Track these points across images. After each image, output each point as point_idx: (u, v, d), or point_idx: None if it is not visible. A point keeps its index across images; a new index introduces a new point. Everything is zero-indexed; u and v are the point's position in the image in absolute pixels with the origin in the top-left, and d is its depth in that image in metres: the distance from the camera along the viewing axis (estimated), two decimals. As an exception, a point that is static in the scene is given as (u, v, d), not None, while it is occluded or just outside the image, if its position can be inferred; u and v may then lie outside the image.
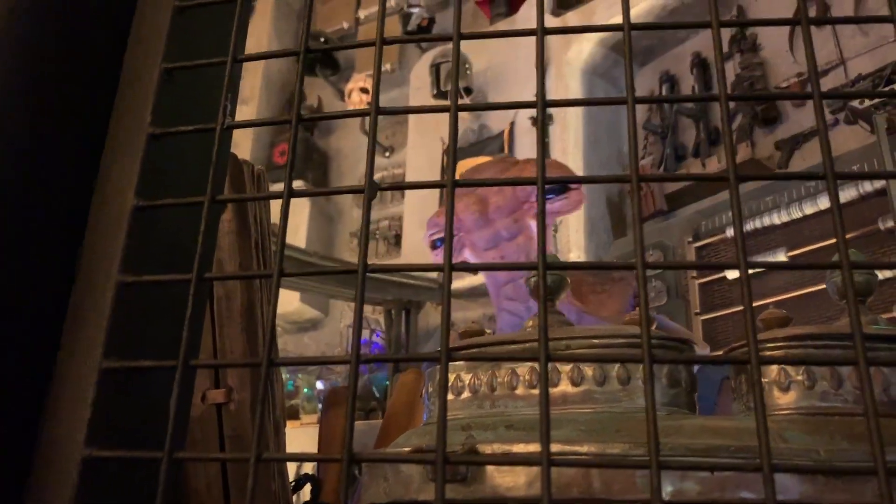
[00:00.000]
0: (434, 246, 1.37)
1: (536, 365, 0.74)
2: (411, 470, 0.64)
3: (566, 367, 0.67)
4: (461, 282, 5.03)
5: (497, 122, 5.51)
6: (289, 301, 5.82)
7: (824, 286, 0.78)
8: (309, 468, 2.12)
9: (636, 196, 0.40)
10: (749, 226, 3.74)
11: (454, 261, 1.39)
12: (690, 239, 4.04)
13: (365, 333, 5.72)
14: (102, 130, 0.53)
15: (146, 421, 0.49)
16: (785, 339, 0.68)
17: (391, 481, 0.66)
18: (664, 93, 4.97)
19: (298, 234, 6.21)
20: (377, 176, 6.66)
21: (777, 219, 3.62)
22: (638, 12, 4.70)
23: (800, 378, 0.64)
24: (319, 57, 6.78)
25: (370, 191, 0.44)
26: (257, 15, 7.32)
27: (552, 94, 5.45)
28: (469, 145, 5.73)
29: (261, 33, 7.13)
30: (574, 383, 0.66)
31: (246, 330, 0.89)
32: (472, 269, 0.39)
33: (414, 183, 0.42)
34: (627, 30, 0.44)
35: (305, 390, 5.49)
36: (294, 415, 5.19)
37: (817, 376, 0.63)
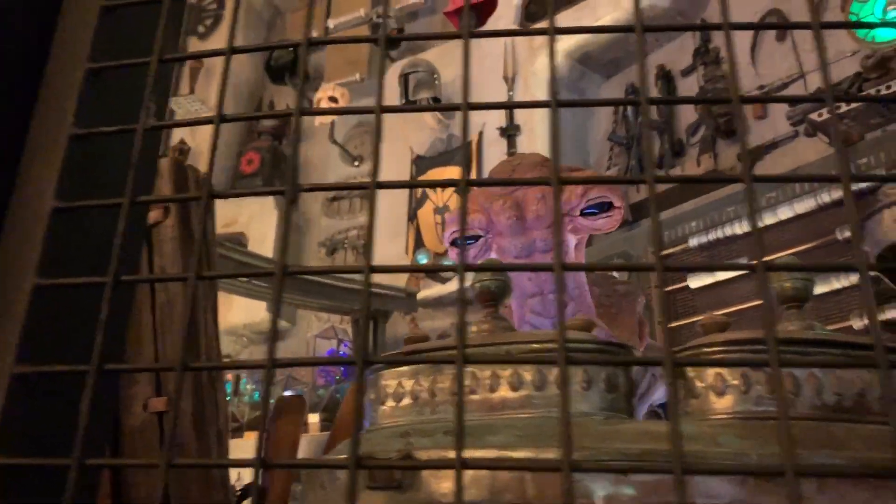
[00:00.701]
0: (455, 245, 1.27)
1: (477, 371, 0.73)
2: (348, 478, 0.63)
3: (506, 372, 0.66)
4: (429, 290, 5.02)
5: (465, 131, 5.53)
6: (255, 311, 5.76)
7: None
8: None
9: (557, 199, 0.40)
10: (712, 235, 3.81)
11: (481, 261, 1.29)
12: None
13: (332, 343, 5.69)
14: (24, 130, 0.51)
15: (64, 429, 0.47)
16: (723, 343, 0.68)
17: (328, 489, 0.65)
18: (628, 105, 5.03)
19: (266, 243, 6.16)
20: (346, 185, 6.64)
21: (739, 229, 3.68)
22: (602, 24, 4.77)
23: (735, 383, 0.64)
24: (289, 66, 6.78)
25: (290, 191, 0.44)
26: (226, 26, 7.29)
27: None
28: (438, 154, 5.75)
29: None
30: (513, 388, 0.66)
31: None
32: (390, 270, 0.39)
33: (337, 184, 0.42)
34: (552, 32, 0.44)
35: (271, 401, 5.42)
36: (260, 425, 5.12)
37: (752, 381, 0.63)
